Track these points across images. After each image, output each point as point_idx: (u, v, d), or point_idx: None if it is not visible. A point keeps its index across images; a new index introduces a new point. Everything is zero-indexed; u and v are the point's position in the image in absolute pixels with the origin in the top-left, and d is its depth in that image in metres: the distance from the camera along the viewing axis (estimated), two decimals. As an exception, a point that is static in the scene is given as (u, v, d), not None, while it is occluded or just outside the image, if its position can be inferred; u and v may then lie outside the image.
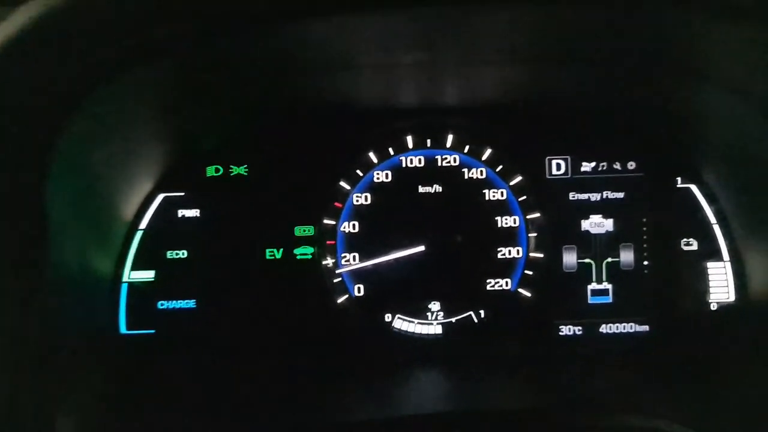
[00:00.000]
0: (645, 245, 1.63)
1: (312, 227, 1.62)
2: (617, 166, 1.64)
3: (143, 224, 1.59)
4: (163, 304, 1.60)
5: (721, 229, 1.61)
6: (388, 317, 1.63)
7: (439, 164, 1.63)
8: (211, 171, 1.62)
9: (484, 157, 1.63)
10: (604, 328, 1.63)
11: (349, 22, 1.08)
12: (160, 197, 1.59)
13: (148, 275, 1.59)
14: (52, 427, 1.09)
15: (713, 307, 1.61)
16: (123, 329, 1.58)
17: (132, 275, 1.58)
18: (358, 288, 1.63)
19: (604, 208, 1.63)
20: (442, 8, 1.01)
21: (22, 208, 1.05)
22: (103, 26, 0.91)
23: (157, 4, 0.91)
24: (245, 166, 1.61)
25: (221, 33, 1.05)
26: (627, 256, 1.63)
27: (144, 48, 1.02)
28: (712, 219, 1.61)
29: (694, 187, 1.62)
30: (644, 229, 1.63)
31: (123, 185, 1.50)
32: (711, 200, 1.61)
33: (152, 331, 1.59)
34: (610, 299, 1.63)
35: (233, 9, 0.94)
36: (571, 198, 1.63)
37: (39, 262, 1.13)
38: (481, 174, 1.63)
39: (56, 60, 0.94)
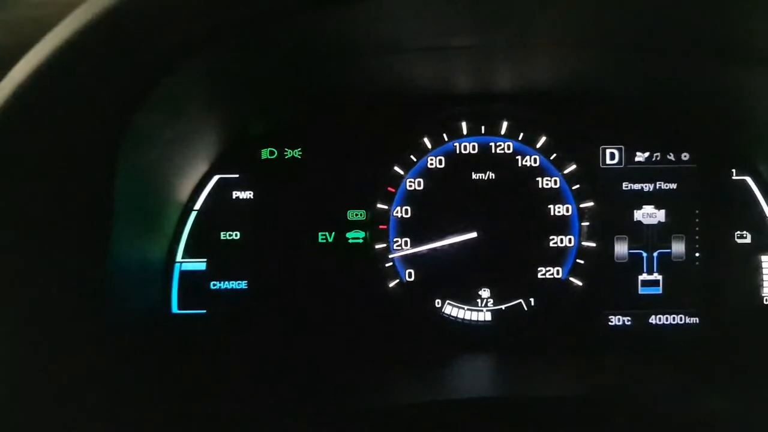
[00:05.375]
0: (697, 237, 1.62)
1: (364, 211, 1.62)
2: (671, 156, 1.63)
3: (197, 205, 1.60)
4: (215, 285, 1.61)
5: (776, 222, 1.60)
6: (438, 303, 1.64)
7: (493, 151, 1.63)
8: (265, 153, 1.62)
9: (538, 145, 1.63)
10: (653, 319, 1.63)
11: (402, 4, 1.08)
12: (215, 178, 1.61)
13: (201, 257, 1.60)
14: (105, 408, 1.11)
15: (765, 301, 1.60)
16: (175, 309, 1.59)
17: (186, 256, 1.59)
18: (409, 273, 1.64)
19: (656, 198, 1.62)
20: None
21: (91, 197, 1.07)
22: (167, 16, 0.91)
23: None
24: (299, 149, 1.62)
25: (277, 18, 1.06)
26: (679, 248, 1.62)
27: (207, 36, 1.03)
28: (767, 212, 1.60)
29: (749, 180, 1.61)
30: (697, 220, 1.62)
31: (180, 168, 1.51)
32: (766, 193, 1.60)
33: (204, 311, 1.61)
34: (660, 290, 1.63)
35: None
36: (624, 188, 1.62)
37: (102, 247, 1.15)
38: (535, 162, 1.63)
39: (123, 52, 0.95)
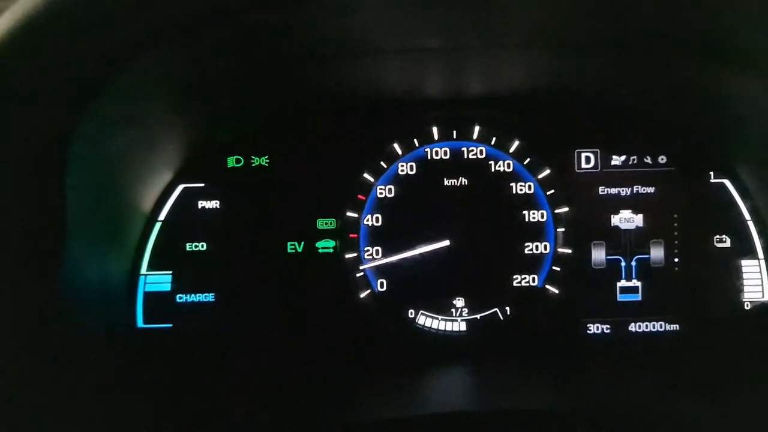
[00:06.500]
0: (676, 242, 1.58)
1: (334, 220, 1.58)
2: (648, 160, 1.59)
3: (162, 215, 1.55)
4: (181, 298, 1.56)
5: (755, 226, 1.56)
6: (411, 313, 1.60)
7: (465, 156, 1.59)
8: (231, 162, 1.58)
9: (511, 150, 1.59)
10: (633, 327, 1.59)
11: (369, 3, 1.04)
12: (180, 188, 1.56)
13: (166, 269, 1.55)
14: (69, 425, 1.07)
15: (747, 306, 1.56)
16: (140, 323, 1.54)
17: (150, 269, 1.54)
18: (381, 283, 1.59)
19: (634, 203, 1.59)
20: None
21: (41, 200, 1.03)
22: (122, 6, 0.87)
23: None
24: (267, 156, 1.58)
25: (241, 16, 1.02)
26: (657, 253, 1.58)
27: (163, 29, 0.99)
28: (747, 215, 1.57)
29: (727, 182, 1.57)
30: (675, 225, 1.59)
31: (142, 176, 1.47)
32: (745, 196, 1.56)
33: (169, 326, 1.56)
34: (639, 297, 1.59)
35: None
36: (600, 192, 1.59)
37: (57, 256, 1.10)
38: (508, 167, 1.59)
39: (75, 43, 0.91)
